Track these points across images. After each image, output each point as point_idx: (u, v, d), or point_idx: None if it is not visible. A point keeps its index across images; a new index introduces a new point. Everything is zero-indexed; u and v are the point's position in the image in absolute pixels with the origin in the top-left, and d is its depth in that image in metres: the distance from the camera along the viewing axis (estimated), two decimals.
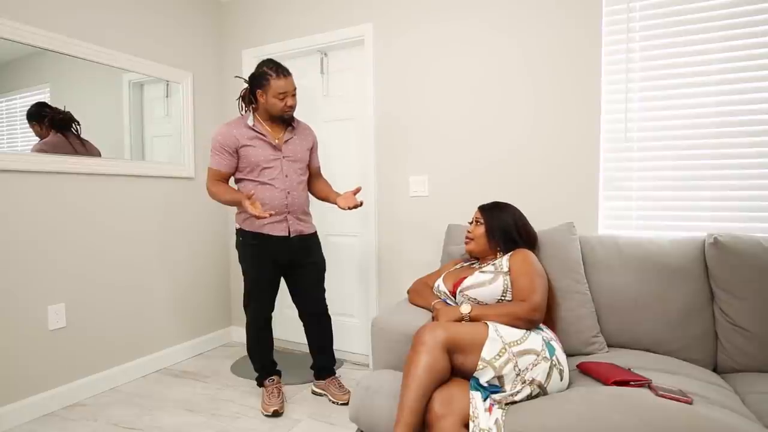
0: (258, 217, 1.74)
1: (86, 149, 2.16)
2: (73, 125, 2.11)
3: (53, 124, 2.04)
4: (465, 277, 1.55)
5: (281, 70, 1.89)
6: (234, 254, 2.18)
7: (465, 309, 1.41)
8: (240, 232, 2.01)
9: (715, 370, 1.51)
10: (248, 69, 2.60)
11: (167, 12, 2.57)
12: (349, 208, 1.95)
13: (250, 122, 1.94)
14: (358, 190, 1.99)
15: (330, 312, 2.20)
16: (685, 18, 1.76)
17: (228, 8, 2.89)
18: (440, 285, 1.64)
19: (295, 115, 2.05)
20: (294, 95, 1.94)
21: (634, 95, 1.86)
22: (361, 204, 1.94)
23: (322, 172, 2.27)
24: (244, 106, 2.02)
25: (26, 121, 1.96)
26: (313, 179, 2.16)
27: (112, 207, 2.28)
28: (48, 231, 2.02)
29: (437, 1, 2.22)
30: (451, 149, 2.23)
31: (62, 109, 2.07)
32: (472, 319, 1.39)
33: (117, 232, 2.30)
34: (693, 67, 1.76)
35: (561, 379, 1.28)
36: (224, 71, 2.92)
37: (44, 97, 2.02)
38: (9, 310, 1.89)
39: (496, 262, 1.55)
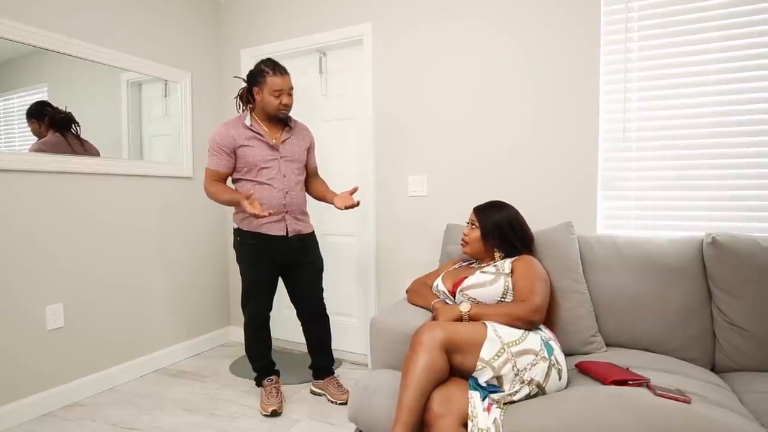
0: (257, 216, 1.74)
1: (85, 149, 2.15)
2: (73, 126, 2.11)
3: (53, 123, 2.04)
4: (465, 277, 1.55)
5: (278, 68, 1.90)
6: (232, 254, 2.18)
7: (464, 307, 1.41)
8: (238, 232, 2.01)
9: (713, 369, 1.51)
10: (247, 69, 2.57)
11: (166, 12, 2.56)
12: (346, 208, 1.95)
13: (247, 122, 1.93)
14: (355, 190, 1.99)
15: (328, 312, 2.20)
16: (683, 18, 1.76)
17: (227, 8, 2.89)
18: (439, 285, 1.64)
19: (294, 114, 2.05)
20: (290, 94, 1.94)
21: (632, 95, 1.86)
22: (357, 204, 1.94)
23: (321, 171, 2.27)
24: (241, 104, 2.02)
25: (25, 119, 1.96)
26: (310, 179, 2.16)
27: (111, 207, 2.27)
28: (45, 231, 2.02)
29: (436, 0, 2.22)
30: (450, 149, 2.23)
31: (63, 109, 2.07)
32: (472, 317, 1.39)
33: (115, 232, 2.30)
34: (691, 67, 1.76)
35: (559, 379, 1.28)
36: (223, 71, 2.91)
37: (42, 96, 2.01)
38: (7, 310, 1.89)
39: (498, 264, 1.55)
